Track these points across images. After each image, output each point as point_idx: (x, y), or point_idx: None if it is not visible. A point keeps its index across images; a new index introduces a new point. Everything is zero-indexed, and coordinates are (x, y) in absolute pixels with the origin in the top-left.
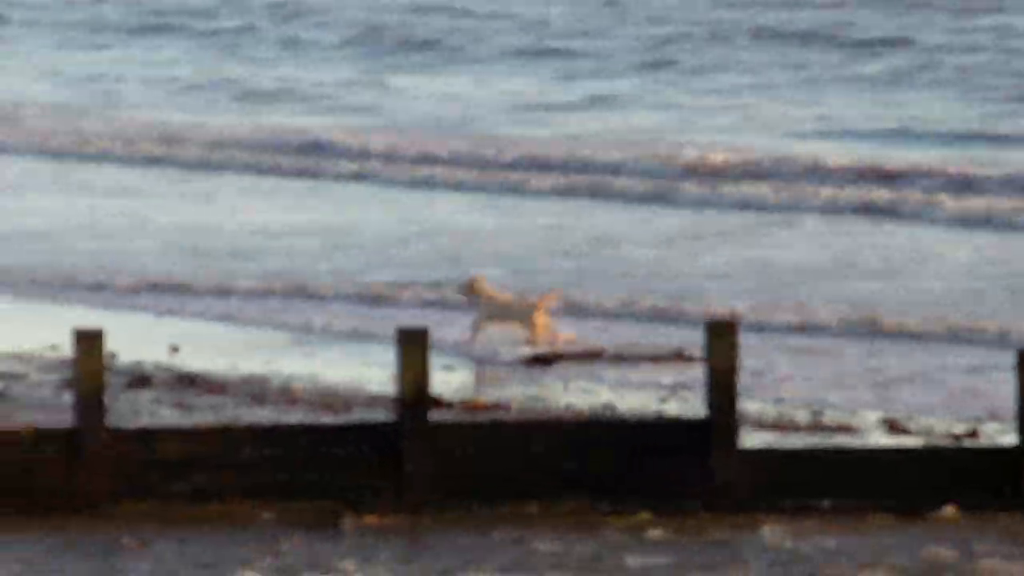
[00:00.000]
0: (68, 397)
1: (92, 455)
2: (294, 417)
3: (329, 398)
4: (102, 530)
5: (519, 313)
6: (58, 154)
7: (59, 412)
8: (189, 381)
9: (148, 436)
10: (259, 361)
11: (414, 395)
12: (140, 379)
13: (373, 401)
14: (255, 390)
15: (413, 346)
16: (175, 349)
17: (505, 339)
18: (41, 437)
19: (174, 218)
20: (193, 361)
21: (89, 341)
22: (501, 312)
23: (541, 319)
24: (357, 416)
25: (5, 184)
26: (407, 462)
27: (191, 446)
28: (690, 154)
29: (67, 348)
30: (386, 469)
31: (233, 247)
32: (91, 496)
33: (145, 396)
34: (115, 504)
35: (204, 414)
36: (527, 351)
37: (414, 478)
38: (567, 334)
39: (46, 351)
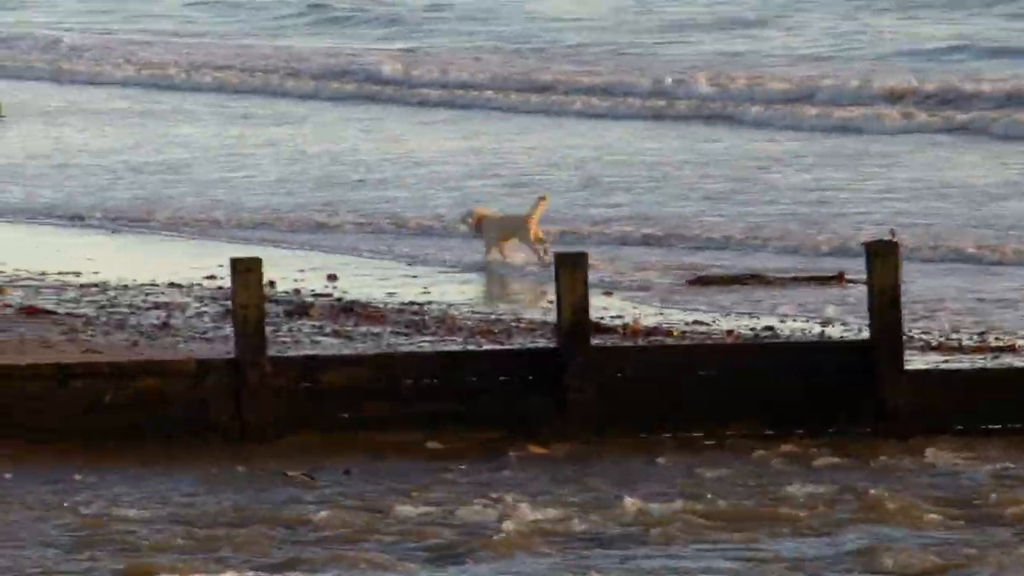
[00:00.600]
0: (229, 327)
1: (254, 385)
2: (453, 345)
3: (489, 325)
4: (267, 461)
5: (515, 225)
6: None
7: (221, 343)
8: (348, 310)
9: (310, 365)
10: (416, 290)
11: (574, 321)
12: (299, 308)
13: (534, 328)
14: (414, 318)
15: (572, 271)
16: (333, 277)
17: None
18: (203, 368)
19: (317, 147)
20: (351, 290)
21: (247, 270)
22: (502, 229)
23: (534, 225)
24: (518, 343)
25: (143, 115)
26: (569, 389)
27: (353, 375)
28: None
29: (226, 278)
30: (548, 397)
31: (381, 176)
32: (255, 427)
33: (305, 325)
34: (278, 434)
35: (364, 343)
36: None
37: (577, 405)
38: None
39: (205, 281)
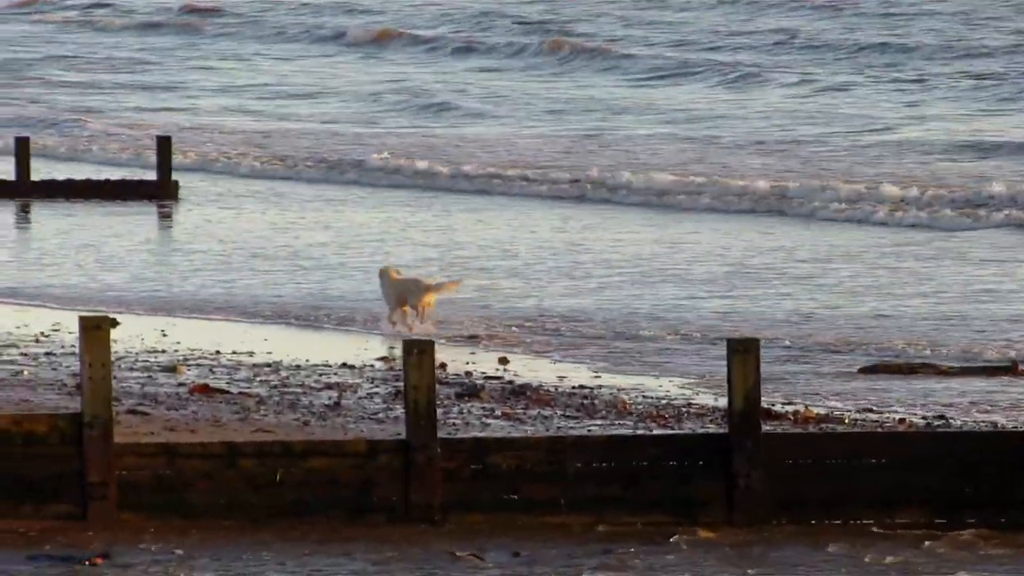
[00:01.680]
0: (400, 409)
1: (422, 467)
2: (623, 429)
3: (659, 409)
4: (435, 542)
5: (413, 291)
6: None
7: (391, 424)
8: (518, 393)
9: (479, 448)
10: (587, 374)
11: (745, 406)
12: (470, 390)
13: (704, 413)
14: (584, 402)
15: (744, 356)
16: (504, 360)
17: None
18: (373, 449)
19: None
20: (522, 373)
21: (420, 353)
22: (399, 291)
23: (429, 299)
24: (688, 428)
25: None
26: (739, 475)
27: (522, 458)
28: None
29: (397, 360)
30: (718, 482)
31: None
32: (423, 508)
33: (475, 407)
34: (445, 515)
35: (533, 426)
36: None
37: (746, 491)
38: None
39: (377, 362)
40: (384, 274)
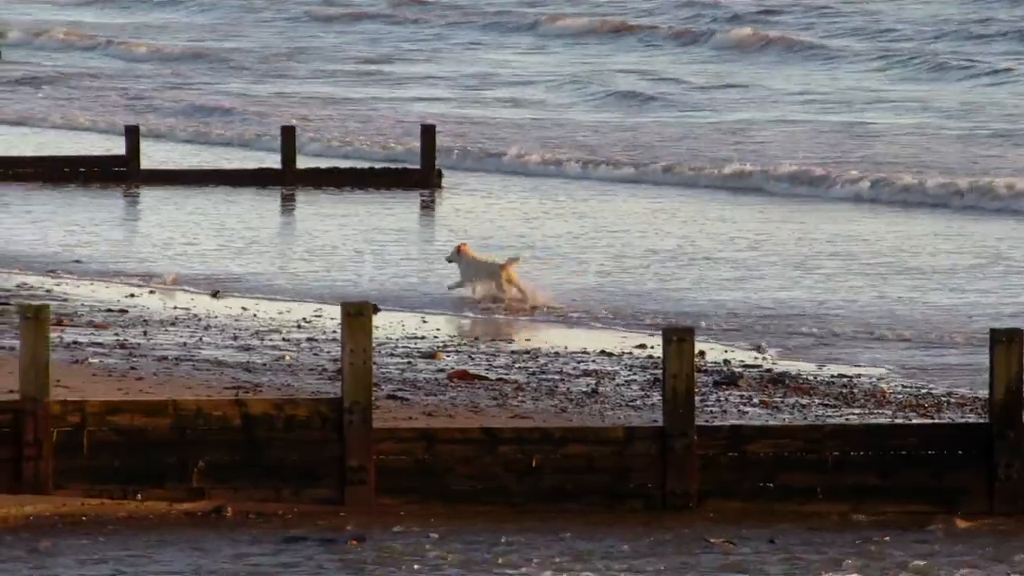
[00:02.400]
0: (657, 396)
1: (680, 454)
2: (882, 419)
3: (919, 399)
4: (690, 528)
5: (489, 270)
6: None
7: (648, 411)
8: (777, 381)
9: (736, 435)
10: (842, 365)
11: (1007, 396)
12: (729, 378)
13: (964, 402)
14: (843, 391)
15: (1007, 347)
16: (759, 349)
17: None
18: (630, 436)
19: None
20: (780, 361)
21: (680, 340)
22: (476, 271)
23: (508, 275)
24: (947, 418)
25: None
26: (999, 464)
27: (780, 446)
28: None
29: (657, 347)
30: (978, 471)
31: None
32: (680, 495)
33: (732, 395)
34: (701, 502)
35: (791, 414)
36: None
37: (1006, 481)
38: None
39: (635, 350)
40: (461, 252)
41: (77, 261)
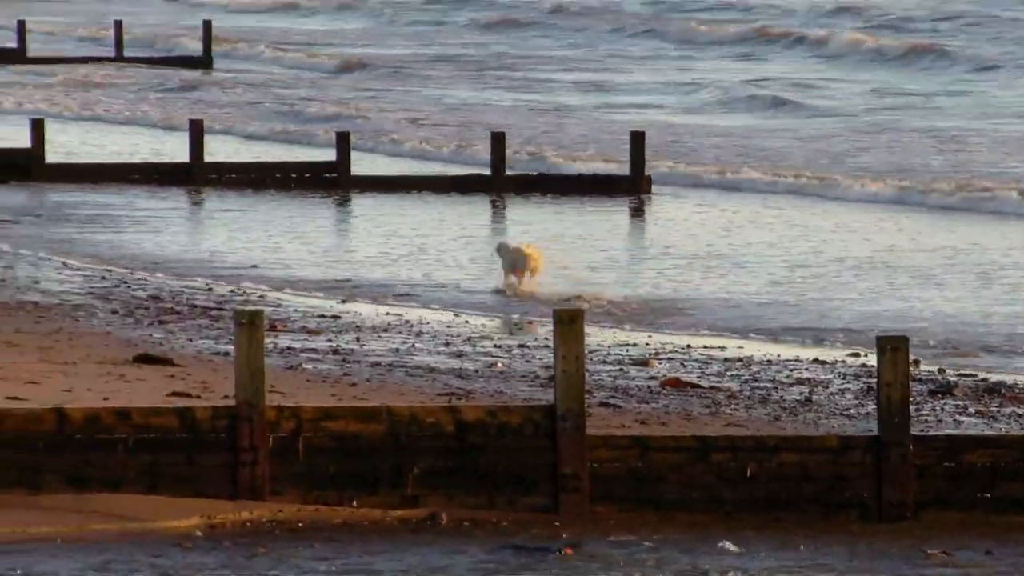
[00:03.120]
0: (871, 405)
1: (895, 464)
2: None
3: None
4: (906, 539)
5: (519, 258)
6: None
7: (863, 420)
8: (993, 390)
9: (952, 445)
10: None
11: None
12: (944, 387)
13: None
14: None
15: None
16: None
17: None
18: (844, 445)
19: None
20: (999, 370)
21: (894, 349)
22: (512, 260)
23: (535, 257)
24: None
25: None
26: None
27: (996, 456)
28: None
29: (870, 356)
30: None
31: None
32: (896, 505)
33: (948, 404)
34: (916, 513)
35: (1007, 424)
36: None
37: None
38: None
39: (849, 358)
40: (503, 246)
41: (288, 267)
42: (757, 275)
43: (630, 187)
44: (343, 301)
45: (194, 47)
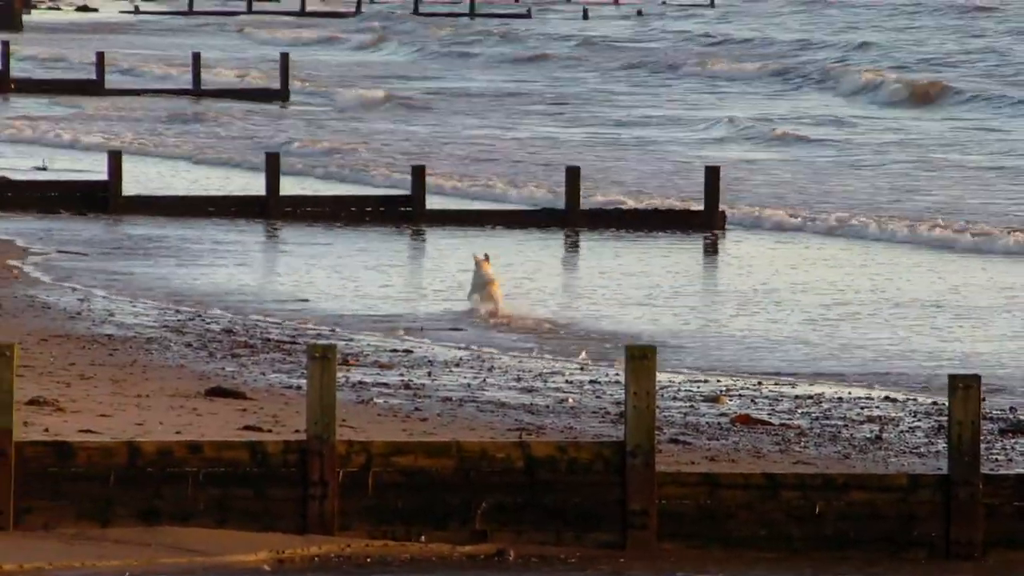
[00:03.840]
0: (942, 443)
1: (965, 503)
2: None
3: None
4: None
5: (480, 284)
6: None
7: (933, 459)
8: None
9: (1023, 485)
10: None
11: None
12: (1016, 426)
13: None
14: None
15: None
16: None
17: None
18: (914, 483)
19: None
20: None
21: (966, 388)
22: (476, 285)
23: (495, 290)
24: None
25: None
26: None
27: None
28: None
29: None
30: None
31: None
32: (965, 544)
33: (1019, 443)
34: (988, 552)
35: None
36: None
37: None
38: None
39: (920, 396)
40: (478, 263)
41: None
42: (828, 313)
43: (705, 222)
44: (409, 331)
45: (267, 81)
